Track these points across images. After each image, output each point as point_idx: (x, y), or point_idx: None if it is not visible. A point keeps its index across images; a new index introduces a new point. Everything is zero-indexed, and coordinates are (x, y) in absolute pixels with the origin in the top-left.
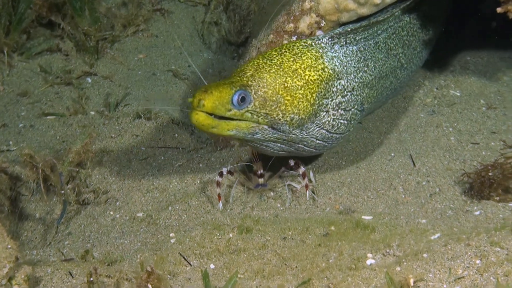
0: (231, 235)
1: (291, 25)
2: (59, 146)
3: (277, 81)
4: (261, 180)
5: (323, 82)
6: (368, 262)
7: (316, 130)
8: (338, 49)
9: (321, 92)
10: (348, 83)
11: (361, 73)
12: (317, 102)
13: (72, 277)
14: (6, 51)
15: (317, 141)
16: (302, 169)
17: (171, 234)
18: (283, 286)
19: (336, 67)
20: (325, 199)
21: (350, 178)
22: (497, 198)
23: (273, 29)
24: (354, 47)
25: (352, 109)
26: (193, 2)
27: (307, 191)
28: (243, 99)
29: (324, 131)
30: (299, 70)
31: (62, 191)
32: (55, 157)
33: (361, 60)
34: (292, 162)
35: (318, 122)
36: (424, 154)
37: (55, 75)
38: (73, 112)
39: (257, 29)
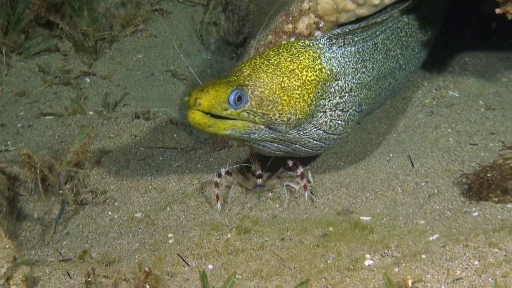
0: (229, 235)
1: (290, 25)
2: (57, 146)
3: (274, 81)
4: (259, 181)
5: (320, 83)
6: (366, 263)
7: (313, 130)
8: (336, 50)
9: (318, 92)
10: (346, 84)
11: (359, 74)
12: (314, 102)
13: (70, 277)
14: (5, 51)
15: (314, 142)
16: (300, 170)
17: (169, 235)
18: (281, 287)
19: (333, 67)
20: (324, 200)
21: (348, 179)
22: (496, 199)
23: (272, 29)
24: (353, 48)
25: (350, 110)
26: (192, 2)
27: (306, 192)
28: (239, 99)
29: (321, 131)
30: (296, 70)
31: (60, 191)
32: (54, 157)
33: (359, 61)
34: (290, 163)
35: (315, 122)
36: (422, 155)
37: (53, 75)
38: (71, 112)
39: (256, 29)
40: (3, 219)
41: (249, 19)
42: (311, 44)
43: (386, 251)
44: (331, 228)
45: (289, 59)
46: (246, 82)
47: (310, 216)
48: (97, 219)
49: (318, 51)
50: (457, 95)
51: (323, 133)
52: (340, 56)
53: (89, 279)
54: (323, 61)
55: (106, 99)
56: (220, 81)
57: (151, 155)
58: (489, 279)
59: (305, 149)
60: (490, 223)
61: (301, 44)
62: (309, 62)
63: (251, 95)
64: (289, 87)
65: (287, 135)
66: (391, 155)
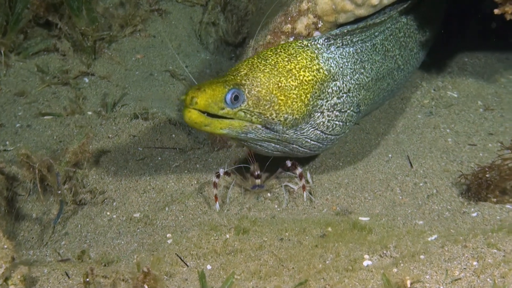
0: (228, 236)
1: (289, 25)
2: (56, 146)
3: (271, 81)
4: (258, 181)
5: (317, 83)
6: (365, 263)
7: (310, 131)
8: (334, 50)
9: (316, 93)
10: (344, 85)
11: (357, 75)
12: (312, 102)
13: (69, 277)
14: (3, 51)
15: (312, 142)
16: (299, 170)
17: (168, 235)
18: (280, 287)
19: (331, 68)
20: (322, 200)
21: (347, 179)
22: (494, 199)
23: (271, 29)
24: (351, 49)
25: (348, 111)
26: (191, 3)
27: (304, 192)
28: (236, 98)
29: (318, 132)
30: (293, 70)
31: (59, 191)
32: (52, 157)
33: (358, 62)
34: (289, 163)
35: (312, 123)
36: (421, 156)
37: (52, 75)
38: (70, 112)
39: (255, 29)
40: (1, 219)
41: (248, 19)
42: (309, 44)
43: (384, 252)
44: (329, 229)
45: (286, 59)
46: (243, 82)
47: (308, 216)
48: (95, 219)
49: (316, 51)
50: (455, 95)
51: (321, 134)
52: (338, 57)
53: (88, 279)
54: (321, 61)
55: (105, 99)
56: (217, 80)
57: (150, 155)
58: (488, 279)
59: (303, 149)
60: (489, 224)
61: (299, 44)
62: (306, 62)
63: (248, 94)
64: (286, 87)
65: (284, 135)
66: (390, 155)
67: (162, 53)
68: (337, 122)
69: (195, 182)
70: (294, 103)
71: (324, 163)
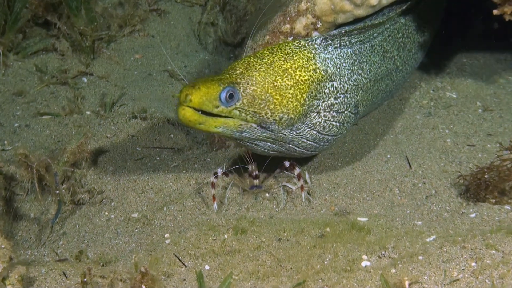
0: (226, 236)
1: (287, 26)
2: (54, 146)
3: (267, 80)
4: (256, 182)
5: (314, 83)
6: (363, 264)
7: (306, 130)
8: (332, 50)
9: (312, 93)
10: (341, 85)
11: (355, 76)
12: (308, 102)
13: (66, 277)
14: (2, 50)
15: (308, 142)
16: (297, 170)
17: (166, 235)
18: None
19: (328, 68)
20: (321, 201)
21: (346, 180)
22: (493, 200)
23: (269, 30)
24: (349, 50)
25: (345, 112)
26: (190, 3)
27: (303, 193)
28: (231, 96)
29: (315, 132)
30: (289, 70)
31: (57, 191)
32: (50, 157)
33: (356, 63)
34: (287, 163)
35: (308, 123)
36: (420, 156)
37: (50, 74)
38: (68, 112)
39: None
40: None
41: (247, 20)
42: (306, 44)
43: (383, 252)
44: (328, 229)
45: (283, 59)
46: (238, 80)
47: (307, 216)
48: (93, 219)
49: (313, 51)
50: (454, 96)
51: (317, 134)
52: (336, 57)
53: (85, 279)
54: (318, 61)
55: (103, 99)
56: (212, 78)
57: (148, 155)
58: (486, 280)
59: (299, 149)
60: (488, 225)
61: (296, 44)
62: (303, 62)
63: (243, 93)
64: (282, 86)
65: (280, 134)
66: (388, 156)
67: (161, 53)
68: (334, 123)
69: (194, 182)
70: (289, 102)
71: (323, 163)
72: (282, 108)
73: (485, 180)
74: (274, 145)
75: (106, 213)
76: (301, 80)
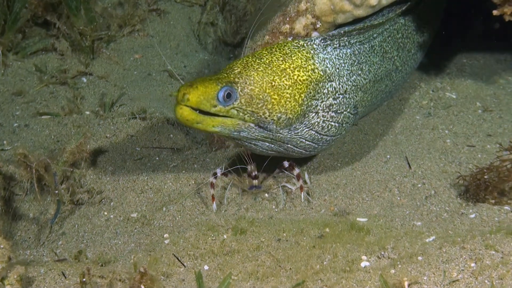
0: (225, 236)
1: (287, 26)
2: (53, 146)
3: (265, 80)
4: (255, 182)
5: (312, 83)
6: (363, 264)
7: (305, 131)
8: (331, 51)
9: (310, 93)
10: (340, 86)
11: (354, 76)
12: (306, 102)
13: (65, 277)
14: (1, 50)
15: (307, 142)
16: (296, 171)
17: (165, 235)
18: None
19: (327, 68)
20: (320, 201)
21: (345, 180)
22: (493, 201)
23: (269, 30)
24: (348, 50)
25: (344, 112)
26: (189, 3)
27: (302, 193)
28: (229, 96)
29: (313, 132)
30: (288, 69)
31: (56, 191)
32: (50, 157)
33: (355, 63)
34: (286, 164)
35: (307, 123)
36: (419, 157)
37: (50, 74)
38: (68, 112)
39: (253, 30)
40: None
41: (246, 20)
42: (305, 44)
43: (382, 253)
44: (327, 229)
45: (281, 58)
46: (236, 80)
47: (306, 217)
48: (93, 219)
49: (312, 51)
50: (454, 96)
51: (316, 134)
52: (335, 58)
53: (84, 279)
54: (316, 61)
55: (103, 99)
56: (210, 77)
57: (148, 155)
58: (486, 281)
59: (298, 149)
60: (487, 225)
61: (294, 44)
62: (301, 62)
63: (240, 92)
64: (280, 86)
65: (278, 134)
66: (388, 156)
67: (161, 53)
68: (332, 123)
69: (193, 182)
70: (287, 102)
71: (322, 163)
72: (280, 108)
73: (485, 180)
74: (272, 145)
75: (105, 213)
76: (299, 80)
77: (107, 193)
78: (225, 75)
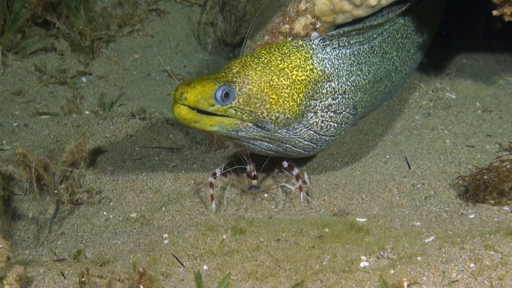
0: (224, 236)
1: (287, 26)
2: (53, 146)
3: (263, 79)
4: (254, 182)
5: (311, 83)
6: (362, 264)
7: (303, 131)
8: (330, 51)
9: (309, 93)
10: (339, 86)
11: (353, 77)
12: (304, 102)
13: (64, 277)
14: (1, 50)
15: (305, 142)
16: (296, 171)
17: (164, 235)
18: None
19: (326, 69)
20: (320, 201)
21: (344, 180)
22: (492, 201)
23: (269, 30)
24: (348, 50)
25: (343, 112)
26: (189, 3)
27: (301, 193)
28: (226, 95)
29: (312, 132)
30: (286, 69)
31: (55, 191)
32: (49, 157)
33: (355, 64)
34: (285, 164)
35: (305, 123)
36: (419, 157)
37: (49, 74)
38: (67, 112)
39: (253, 30)
40: None
41: (246, 20)
42: (304, 44)
43: (381, 253)
44: (326, 230)
45: (279, 58)
46: (234, 79)
47: (305, 217)
48: (92, 219)
49: (311, 51)
50: (454, 97)
51: (314, 134)
52: (334, 58)
53: (83, 279)
54: (315, 61)
55: (102, 99)
56: (207, 77)
57: (147, 155)
58: (485, 281)
59: (296, 149)
60: (487, 226)
61: (293, 44)
62: (300, 62)
63: (238, 92)
64: (278, 86)
65: (276, 134)
66: (387, 156)
67: (160, 53)
68: (331, 123)
69: (192, 182)
70: (286, 102)
71: (322, 163)
72: (278, 108)
73: (484, 181)
74: (271, 145)
75: (105, 213)
76: (298, 80)
77: (107, 193)
78: (223, 74)
